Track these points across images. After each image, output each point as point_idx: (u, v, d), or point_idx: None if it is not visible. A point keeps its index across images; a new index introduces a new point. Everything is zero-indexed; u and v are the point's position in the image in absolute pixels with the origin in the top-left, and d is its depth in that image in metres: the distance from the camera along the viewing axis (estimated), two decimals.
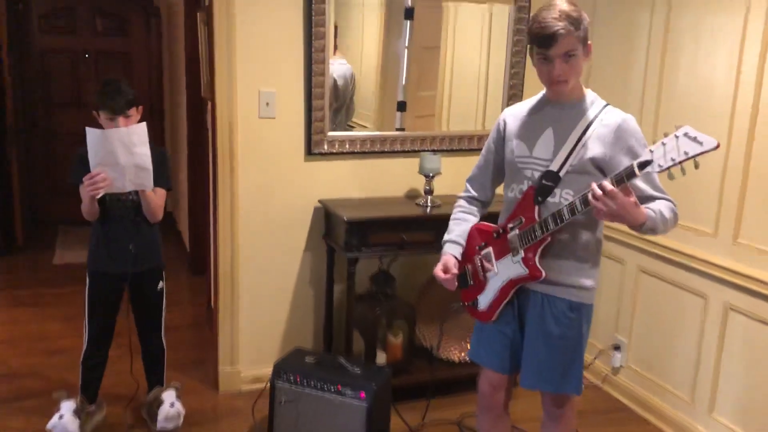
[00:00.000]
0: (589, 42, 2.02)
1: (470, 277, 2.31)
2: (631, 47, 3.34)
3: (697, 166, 1.75)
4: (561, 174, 2.06)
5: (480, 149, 3.49)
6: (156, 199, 2.80)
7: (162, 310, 3.02)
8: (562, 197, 2.06)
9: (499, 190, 2.34)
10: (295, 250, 3.42)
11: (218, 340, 3.40)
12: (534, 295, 2.18)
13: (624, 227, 1.98)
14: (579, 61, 2.00)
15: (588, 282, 2.15)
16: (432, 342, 3.49)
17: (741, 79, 2.77)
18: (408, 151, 3.48)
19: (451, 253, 2.28)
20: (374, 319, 3.30)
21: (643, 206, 1.94)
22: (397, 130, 3.53)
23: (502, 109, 3.52)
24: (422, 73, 3.61)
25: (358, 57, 3.52)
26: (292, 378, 2.82)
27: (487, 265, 2.23)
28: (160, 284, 2.98)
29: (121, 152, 2.58)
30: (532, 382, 2.22)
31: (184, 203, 5.07)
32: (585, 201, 1.92)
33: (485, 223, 2.32)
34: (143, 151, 2.61)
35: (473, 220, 2.35)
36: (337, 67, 3.35)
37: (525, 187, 2.14)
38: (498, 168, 2.30)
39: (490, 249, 2.23)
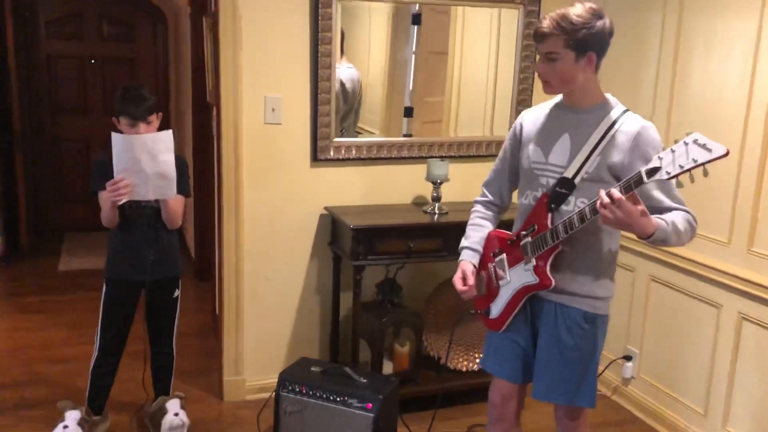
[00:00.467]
0: (590, 52, 1.96)
1: (483, 285, 2.26)
2: (643, 52, 3.30)
3: (706, 174, 1.71)
4: (576, 181, 2.02)
5: (488, 155, 3.53)
6: (176, 205, 2.78)
7: (175, 318, 3.00)
8: (577, 205, 2.01)
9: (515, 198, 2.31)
10: (300, 258, 3.38)
11: (223, 348, 3.36)
12: (548, 305, 2.13)
13: (635, 236, 1.93)
14: (563, 66, 1.97)
15: (603, 292, 2.11)
16: (439, 351, 3.44)
17: (755, 84, 2.72)
18: (415, 158, 3.45)
19: (468, 260, 2.24)
20: (381, 327, 3.25)
21: (654, 216, 1.89)
22: (404, 136, 3.50)
23: (511, 115, 3.55)
24: (429, 78, 3.58)
25: (365, 62, 3.49)
26: (297, 388, 2.78)
27: (500, 272, 2.20)
28: (176, 292, 2.96)
29: (146, 159, 2.56)
30: (544, 393, 2.17)
31: (190, 209, 5.04)
32: (594, 209, 1.88)
33: (502, 230, 2.28)
34: (168, 159, 2.59)
35: (490, 225, 2.32)
36: (345, 71, 3.33)
37: (539, 194, 2.11)
38: (515, 172, 2.27)
39: (504, 256, 2.20)
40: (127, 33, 6.23)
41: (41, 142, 6.14)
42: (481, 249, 2.27)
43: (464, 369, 3.44)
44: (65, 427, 2.79)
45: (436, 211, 3.27)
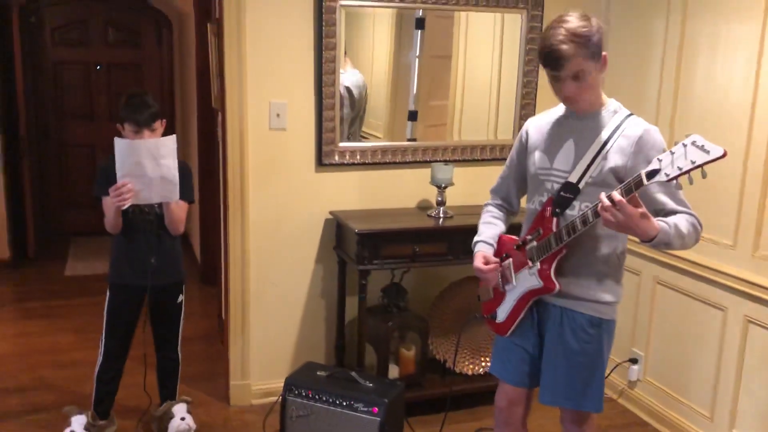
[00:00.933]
0: (603, 53, 1.98)
1: (491, 289, 2.27)
2: (646, 56, 3.30)
3: (704, 176, 1.71)
4: (580, 186, 2.02)
5: (492, 159, 3.54)
6: (178, 211, 2.79)
7: (180, 323, 3.01)
8: (581, 209, 2.02)
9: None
10: (306, 262, 3.39)
11: (229, 353, 3.37)
12: (554, 309, 2.14)
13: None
14: (591, 78, 1.97)
15: (608, 297, 2.11)
16: (445, 355, 3.44)
17: (759, 88, 2.72)
18: (419, 162, 3.45)
19: (483, 251, 2.25)
20: (386, 332, 3.26)
21: (657, 219, 1.89)
22: (409, 140, 3.51)
23: (515, 119, 3.56)
24: (433, 82, 3.58)
25: (369, 67, 3.50)
26: (303, 393, 2.79)
27: (506, 276, 2.21)
28: (180, 297, 2.98)
29: (149, 164, 2.58)
30: (551, 398, 2.18)
31: (195, 214, 5.06)
32: (596, 212, 1.88)
33: (509, 235, 2.30)
34: (170, 164, 2.60)
35: (502, 225, 2.33)
36: (351, 77, 3.34)
37: (545, 199, 2.11)
38: (521, 178, 2.28)
39: (510, 261, 2.20)
40: (132, 39, 6.25)
41: (47, 147, 6.17)
42: (494, 244, 2.27)
43: (470, 373, 3.44)
44: (71, 431, 2.81)
45: (441, 215, 3.28)
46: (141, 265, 2.82)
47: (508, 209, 2.38)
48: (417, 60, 3.50)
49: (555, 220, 2.06)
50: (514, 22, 3.50)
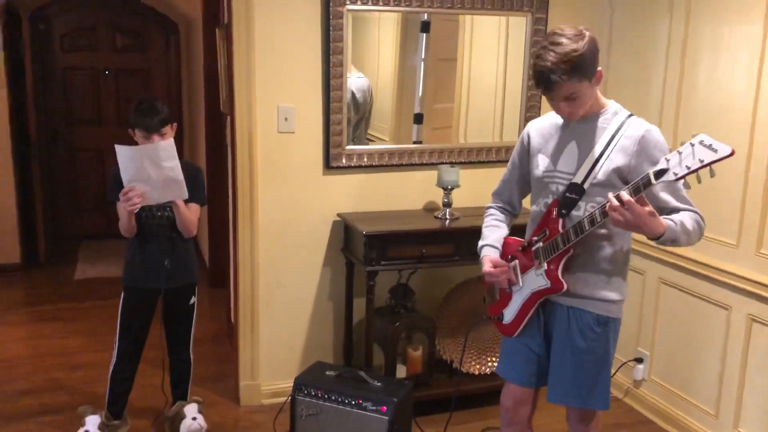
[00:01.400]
0: (598, 69, 2.00)
1: (497, 291, 2.31)
2: (650, 58, 3.33)
3: (712, 174, 1.75)
4: (585, 186, 2.06)
5: (498, 161, 3.58)
6: (189, 214, 2.84)
7: (192, 325, 3.06)
8: (587, 210, 2.06)
9: (527, 204, 2.35)
10: (314, 264, 3.43)
11: (238, 354, 3.41)
12: (560, 309, 2.17)
13: (644, 238, 1.97)
14: (584, 96, 2.00)
15: (614, 295, 2.15)
16: (452, 355, 3.48)
17: (762, 88, 2.75)
18: (425, 164, 3.49)
19: (490, 254, 2.29)
20: (394, 332, 3.30)
21: (663, 217, 1.93)
22: (414, 143, 3.54)
23: (520, 121, 3.59)
24: (439, 85, 3.62)
25: (374, 70, 3.54)
26: (313, 392, 2.83)
27: (512, 278, 2.23)
28: (193, 299, 3.03)
29: (150, 167, 2.63)
30: (558, 397, 2.21)
31: (203, 217, 5.11)
32: (604, 212, 1.92)
33: (513, 237, 2.33)
34: (173, 165, 2.66)
35: (505, 228, 2.36)
36: (355, 81, 3.38)
37: (550, 200, 2.15)
38: (523, 181, 2.32)
39: (516, 262, 2.24)
40: (139, 44, 6.31)
41: (56, 152, 6.23)
42: (500, 247, 2.30)
43: (477, 372, 3.48)
44: (86, 431, 2.85)
45: (448, 217, 3.31)
46: (154, 267, 2.87)
47: (511, 211, 2.41)
48: (422, 63, 3.54)
49: (561, 221, 2.10)
50: (519, 25, 3.53)
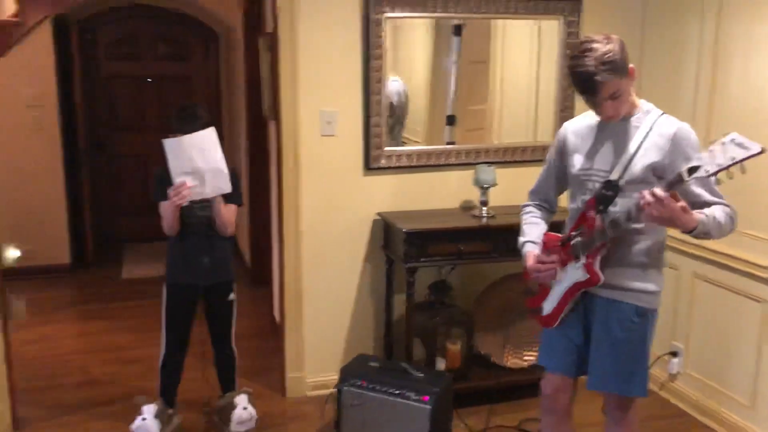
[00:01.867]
0: (630, 66, 2.10)
1: (537, 284, 2.41)
2: (682, 57, 3.39)
3: (744, 171, 1.83)
4: (620, 183, 2.16)
5: (532, 160, 3.66)
6: (227, 213, 2.98)
7: (232, 320, 3.20)
8: (623, 206, 2.15)
9: (564, 202, 2.44)
10: (355, 261, 3.56)
11: (285, 347, 3.55)
12: (600, 300, 2.27)
13: (677, 233, 2.06)
14: (625, 94, 2.10)
15: (652, 287, 2.24)
16: (489, 349, 3.57)
17: None
18: (461, 164, 3.60)
19: (532, 250, 2.38)
20: (433, 327, 3.40)
21: (696, 211, 2.02)
22: (447, 143, 3.64)
23: (555, 122, 3.67)
24: (472, 87, 3.70)
25: (408, 73, 3.63)
26: (358, 383, 2.94)
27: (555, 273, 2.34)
28: (231, 295, 3.16)
29: (197, 156, 2.77)
30: (598, 384, 2.30)
31: (245, 220, 5.27)
32: (640, 207, 2.01)
33: (552, 233, 2.42)
34: (217, 154, 2.80)
35: (544, 224, 2.46)
36: (391, 84, 3.49)
37: (587, 197, 2.25)
38: (559, 180, 2.42)
39: (555, 257, 2.33)
40: (180, 52, 6.50)
41: (101, 158, 6.44)
42: (540, 243, 2.40)
43: (515, 366, 3.56)
44: (144, 419, 2.99)
45: (485, 215, 3.41)
46: (195, 265, 3.02)
47: (548, 209, 2.51)
48: (455, 66, 3.62)
49: (598, 216, 2.19)
50: (552, 28, 3.61)
